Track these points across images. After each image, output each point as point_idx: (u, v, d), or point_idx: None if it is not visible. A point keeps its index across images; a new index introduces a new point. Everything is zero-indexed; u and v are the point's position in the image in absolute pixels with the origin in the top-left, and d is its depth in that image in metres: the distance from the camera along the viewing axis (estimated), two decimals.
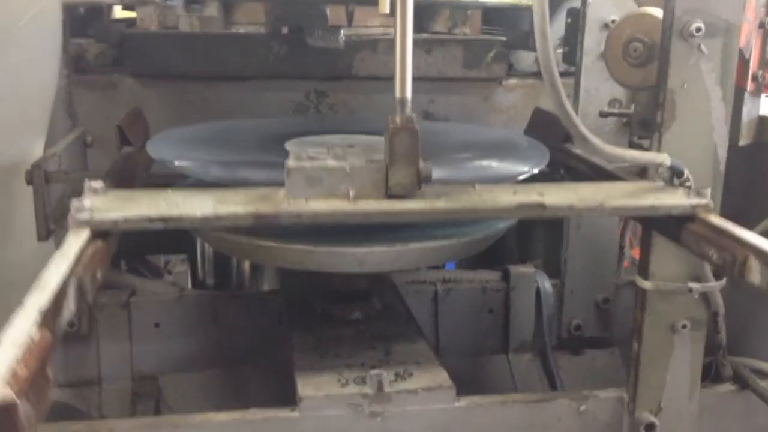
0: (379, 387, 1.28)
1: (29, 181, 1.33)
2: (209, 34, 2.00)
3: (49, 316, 0.78)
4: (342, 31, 1.94)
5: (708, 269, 1.35)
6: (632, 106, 1.67)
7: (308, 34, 1.91)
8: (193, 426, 1.29)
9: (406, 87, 1.06)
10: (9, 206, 1.36)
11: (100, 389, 1.81)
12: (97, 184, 1.06)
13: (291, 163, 1.08)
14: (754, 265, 0.98)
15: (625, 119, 1.78)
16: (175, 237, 1.84)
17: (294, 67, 2.00)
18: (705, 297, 1.35)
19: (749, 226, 1.47)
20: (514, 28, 2.13)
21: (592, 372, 1.96)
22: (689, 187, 1.18)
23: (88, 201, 1.00)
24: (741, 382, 1.47)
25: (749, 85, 1.40)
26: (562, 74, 1.19)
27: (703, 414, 1.40)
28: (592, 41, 1.81)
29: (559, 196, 1.14)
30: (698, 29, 1.21)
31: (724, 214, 1.35)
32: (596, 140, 1.08)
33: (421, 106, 2.06)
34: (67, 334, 1.84)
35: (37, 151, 1.36)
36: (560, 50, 1.89)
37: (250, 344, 1.83)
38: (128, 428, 1.29)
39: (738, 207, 1.44)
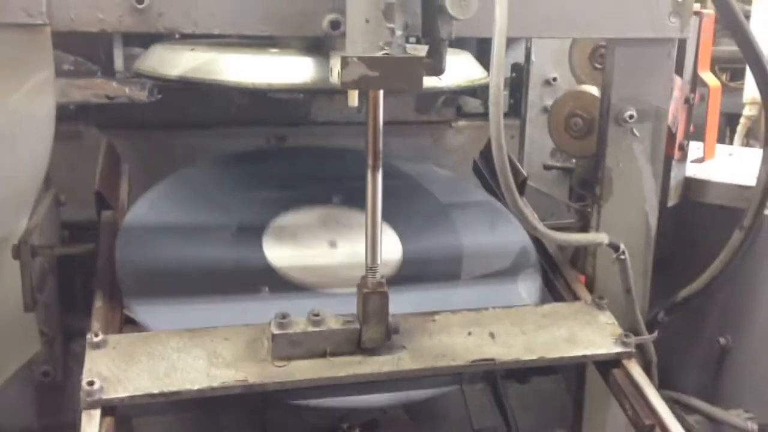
0: None
1: (16, 256, 1.41)
2: (172, 86, 2.07)
3: None
4: None
5: (642, 323, 1.51)
6: (573, 160, 1.83)
7: None
8: None
9: (376, 256, 1.20)
10: None
11: None
12: (98, 338, 1.21)
13: (275, 330, 1.21)
14: None
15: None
16: None
17: (255, 114, 2.09)
18: (640, 347, 1.51)
19: (677, 277, 1.64)
20: None
21: (539, 398, 2.11)
22: (624, 261, 1.34)
23: (97, 383, 1.14)
24: None
25: (676, 154, 1.56)
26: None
27: None
28: (536, 96, 1.96)
29: (507, 340, 1.32)
30: (631, 116, 1.36)
31: (656, 267, 1.52)
32: (545, 229, 1.21)
33: None
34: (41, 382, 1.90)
35: (22, 224, 1.43)
36: None
37: None
38: None
39: (667, 259, 1.60)
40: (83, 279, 1.91)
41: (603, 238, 1.34)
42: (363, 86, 1.05)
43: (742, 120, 3.72)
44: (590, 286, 1.50)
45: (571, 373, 2.10)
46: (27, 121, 1.19)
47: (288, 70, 1.33)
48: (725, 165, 1.80)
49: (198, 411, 1.91)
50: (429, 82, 1.44)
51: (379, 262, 1.22)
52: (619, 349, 1.33)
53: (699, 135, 1.81)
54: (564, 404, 2.11)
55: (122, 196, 1.64)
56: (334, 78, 1.17)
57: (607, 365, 1.34)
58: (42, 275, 1.53)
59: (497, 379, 2.10)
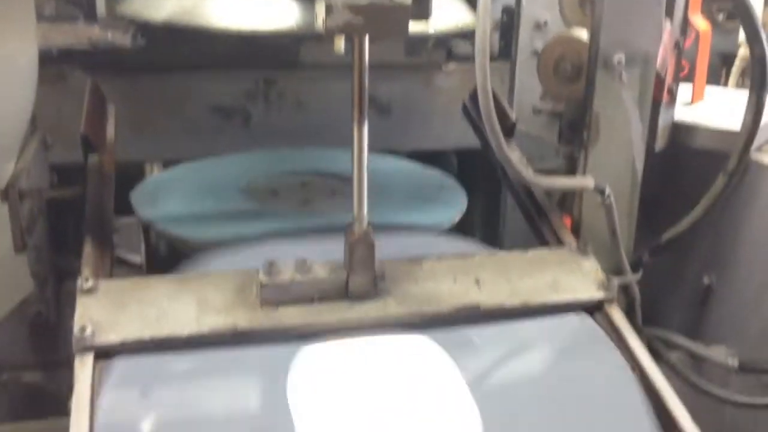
0: None
1: (4, 199, 1.42)
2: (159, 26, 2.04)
3: None
4: None
5: (626, 263, 1.53)
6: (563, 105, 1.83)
7: None
8: None
9: (363, 204, 1.20)
10: None
11: (71, 371, 1.92)
12: (88, 283, 1.22)
13: (263, 279, 1.22)
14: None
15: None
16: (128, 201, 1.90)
17: (243, 57, 2.07)
18: (624, 287, 1.53)
19: (663, 220, 1.67)
20: None
21: None
22: (610, 204, 1.35)
23: (89, 328, 1.16)
24: (654, 355, 1.67)
25: (665, 98, 1.55)
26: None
27: None
28: (526, 39, 1.94)
29: (492, 286, 1.32)
30: (619, 61, 1.36)
31: (643, 210, 1.54)
32: (531, 174, 1.22)
33: None
34: (35, 322, 1.93)
35: (9, 167, 1.44)
36: None
37: None
38: None
39: (654, 203, 1.62)
40: (74, 221, 1.93)
41: (589, 182, 1.35)
42: (347, 33, 1.04)
43: (737, 61, 3.68)
44: (576, 229, 1.51)
45: None
46: (9, 68, 1.18)
47: (274, 14, 1.31)
48: (715, 109, 1.80)
49: None
50: (415, 27, 1.44)
51: (365, 211, 1.23)
52: (601, 295, 1.35)
53: (693, 75, 1.81)
54: None
55: (109, 138, 1.63)
56: (319, 24, 1.16)
57: (590, 310, 1.36)
58: (31, 218, 1.54)
59: None
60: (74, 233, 1.91)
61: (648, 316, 1.68)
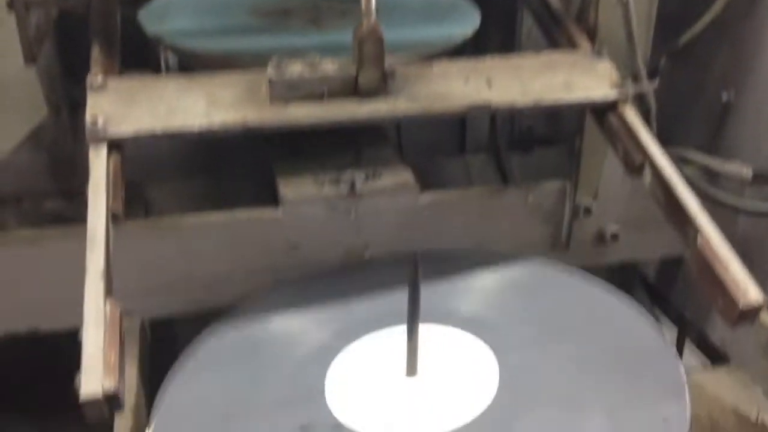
0: (352, 186, 1.46)
1: (10, 6, 1.40)
2: None
3: (108, 277, 0.98)
4: None
5: (644, 71, 1.50)
6: None
7: None
8: (184, 227, 1.44)
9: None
10: None
11: None
12: (97, 80, 1.23)
13: (272, 74, 1.22)
14: (647, 173, 1.24)
15: None
16: (139, 53, 1.89)
17: None
18: (640, 97, 1.51)
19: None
20: None
21: (541, 168, 2.15)
22: (627, 2, 1.31)
23: (101, 120, 1.18)
24: None
25: None
26: None
27: (634, 197, 1.60)
28: None
29: (504, 86, 1.32)
30: None
31: (664, 20, 1.50)
32: None
33: None
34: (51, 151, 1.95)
35: None
36: None
37: (233, 148, 1.95)
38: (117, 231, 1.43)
39: (674, 17, 1.57)
40: (85, 49, 1.91)
41: None
42: None
43: None
44: (592, 35, 1.47)
45: (573, 144, 2.12)
46: None
47: None
48: None
49: (207, 177, 1.97)
50: None
51: (373, 4, 1.20)
52: (615, 95, 1.33)
53: None
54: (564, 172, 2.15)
55: None
56: None
57: (603, 110, 1.35)
58: (39, 32, 1.53)
59: (500, 148, 2.14)
60: (85, 64, 1.89)
61: (664, 135, 1.66)
